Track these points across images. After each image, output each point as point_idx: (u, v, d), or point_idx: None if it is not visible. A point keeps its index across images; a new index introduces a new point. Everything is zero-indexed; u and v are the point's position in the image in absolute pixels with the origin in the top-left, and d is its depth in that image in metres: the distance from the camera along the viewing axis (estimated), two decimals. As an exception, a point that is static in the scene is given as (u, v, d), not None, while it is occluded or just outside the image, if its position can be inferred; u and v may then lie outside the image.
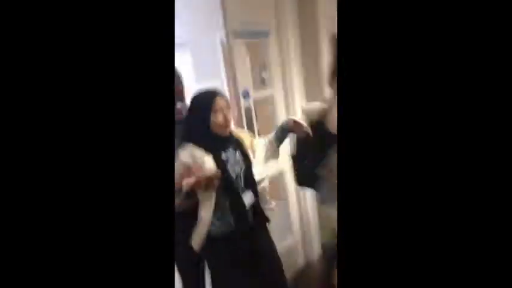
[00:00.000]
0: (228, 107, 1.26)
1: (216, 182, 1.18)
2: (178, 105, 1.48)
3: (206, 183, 1.15)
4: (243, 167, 1.31)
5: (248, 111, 1.85)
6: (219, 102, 1.25)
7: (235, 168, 1.29)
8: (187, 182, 1.13)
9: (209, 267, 1.38)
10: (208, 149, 1.24)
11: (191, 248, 1.30)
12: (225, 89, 3.62)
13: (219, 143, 1.27)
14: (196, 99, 1.30)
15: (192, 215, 1.29)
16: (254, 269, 1.35)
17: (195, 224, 1.29)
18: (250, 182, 1.33)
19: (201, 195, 1.26)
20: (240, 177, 1.30)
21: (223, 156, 1.27)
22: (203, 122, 1.24)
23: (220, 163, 1.24)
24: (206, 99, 1.25)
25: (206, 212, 1.26)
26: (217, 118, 1.24)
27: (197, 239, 1.29)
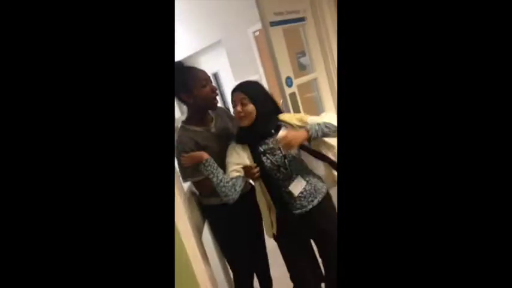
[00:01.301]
0: (240, 100, 1.27)
1: (255, 171, 1.26)
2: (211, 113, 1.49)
3: (246, 171, 1.27)
4: (287, 156, 1.29)
5: (293, 96, 1.87)
6: (234, 96, 1.29)
7: (275, 158, 1.29)
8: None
9: (284, 248, 1.42)
10: (246, 143, 1.31)
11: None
12: (263, 81, 3.70)
13: (254, 136, 1.31)
14: None
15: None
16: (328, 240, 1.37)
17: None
18: (299, 168, 1.32)
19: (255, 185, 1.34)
20: (286, 166, 1.29)
21: (260, 148, 1.30)
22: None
23: (256, 155, 1.29)
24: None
25: (261, 203, 1.35)
26: (235, 112, 1.29)
27: (266, 229, 1.37)
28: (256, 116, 1.26)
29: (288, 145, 1.22)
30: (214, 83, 1.49)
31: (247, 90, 1.27)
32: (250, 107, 1.25)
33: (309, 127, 1.24)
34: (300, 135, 1.23)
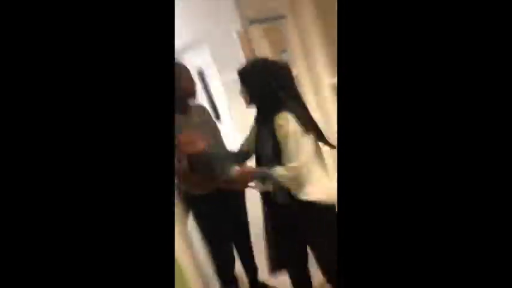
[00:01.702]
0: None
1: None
2: (191, 102, 1.54)
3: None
4: (272, 146, 1.23)
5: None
6: None
7: (264, 145, 1.27)
8: None
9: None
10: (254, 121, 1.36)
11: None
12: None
13: (260, 116, 1.32)
14: None
15: None
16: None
17: None
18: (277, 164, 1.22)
19: None
20: (267, 156, 1.25)
21: (260, 130, 1.30)
22: None
23: (256, 136, 1.33)
24: None
25: None
26: None
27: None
28: (249, 99, 1.28)
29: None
30: (199, 80, 1.56)
31: (240, 74, 1.28)
32: (243, 89, 1.29)
33: (253, 174, 1.30)
34: (247, 179, 1.31)
